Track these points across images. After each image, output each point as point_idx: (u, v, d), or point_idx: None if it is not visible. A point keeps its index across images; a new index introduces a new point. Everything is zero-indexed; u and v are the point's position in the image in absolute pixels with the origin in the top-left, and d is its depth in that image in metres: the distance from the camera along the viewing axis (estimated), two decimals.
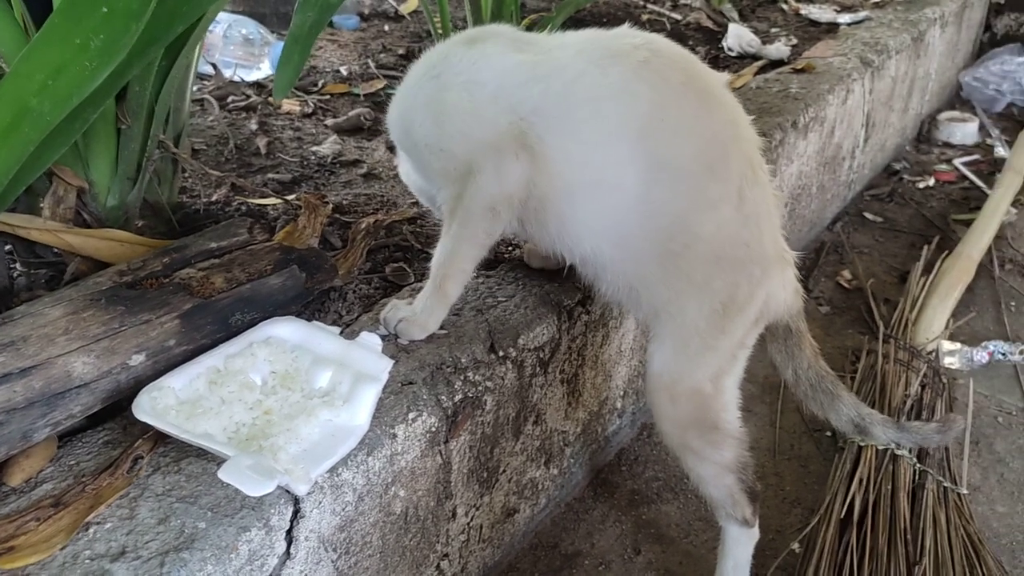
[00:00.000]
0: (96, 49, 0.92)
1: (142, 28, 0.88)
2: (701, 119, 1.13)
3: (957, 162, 2.99)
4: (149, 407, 0.96)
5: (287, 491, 0.95)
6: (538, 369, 1.35)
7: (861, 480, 1.53)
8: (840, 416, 1.33)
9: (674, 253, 1.14)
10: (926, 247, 2.37)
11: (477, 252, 1.19)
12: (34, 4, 1.22)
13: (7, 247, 1.29)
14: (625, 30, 1.18)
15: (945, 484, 1.55)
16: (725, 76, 1.23)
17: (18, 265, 1.30)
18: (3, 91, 0.99)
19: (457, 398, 1.18)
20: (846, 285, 2.28)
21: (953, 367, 1.92)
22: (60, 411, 0.95)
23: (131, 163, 1.30)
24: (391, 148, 1.45)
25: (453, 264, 1.19)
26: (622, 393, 1.64)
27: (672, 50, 1.15)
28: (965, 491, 1.57)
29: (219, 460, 0.96)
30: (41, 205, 1.30)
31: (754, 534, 1.32)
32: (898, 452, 1.57)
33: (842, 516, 1.49)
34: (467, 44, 1.17)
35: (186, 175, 1.65)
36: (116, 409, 1.05)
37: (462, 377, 1.20)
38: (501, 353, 1.26)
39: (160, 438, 0.99)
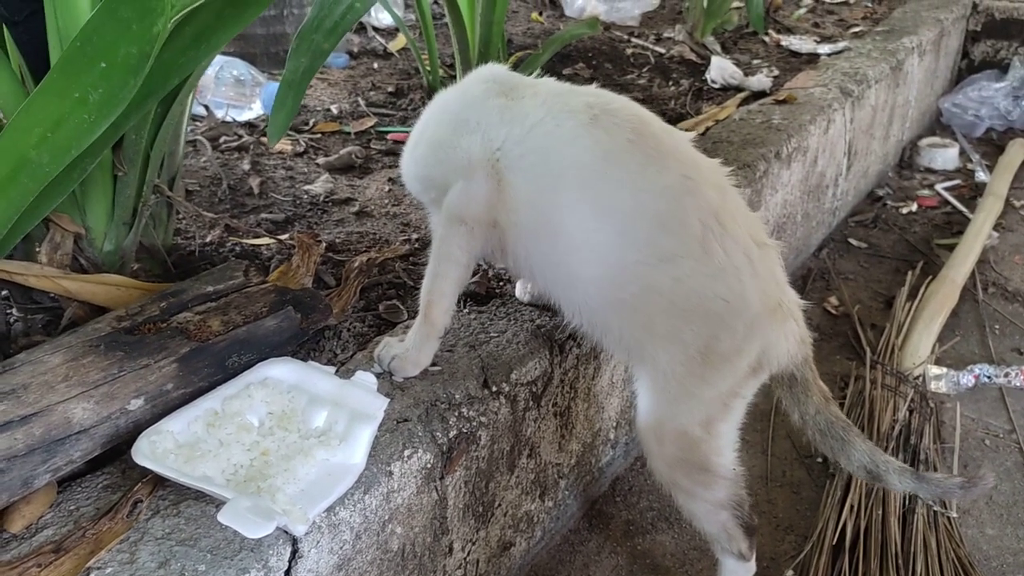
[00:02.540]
0: (95, 103, 0.94)
1: (140, 82, 0.91)
2: (647, 175, 1.16)
3: (939, 187, 3.04)
4: (148, 451, 0.98)
5: (286, 532, 0.97)
6: (531, 403, 1.37)
7: (852, 506, 1.55)
8: (852, 462, 1.29)
9: (626, 302, 1.18)
10: (910, 272, 2.41)
11: (456, 272, 1.23)
12: (31, 56, 1.25)
13: (3, 293, 1.31)
14: (591, 89, 1.25)
15: (935, 508, 1.57)
16: (688, 134, 1.26)
17: (15, 311, 1.31)
18: (2, 143, 1.02)
19: (452, 434, 1.20)
20: (833, 311, 2.31)
21: (940, 391, 1.95)
22: (60, 457, 0.97)
23: (127, 208, 1.32)
24: None
25: (436, 287, 1.23)
26: (615, 424, 1.66)
27: (626, 110, 1.20)
28: (955, 515, 1.59)
29: (218, 502, 0.97)
30: (38, 251, 1.31)
31: (751, 567, 1.33)
32: None
33: (834, 542, 1.51)
34: (461, 89, 1.28)
35: (180, 217, 1.68)
36: (115, 453, 1.06)
37: (456, 413, 1.22)
38: (494, 388, 1.28)
39: (159, 481, 1.01)
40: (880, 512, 1.55)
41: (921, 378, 1.94)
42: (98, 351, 1.03)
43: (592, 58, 2.84)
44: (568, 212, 1.16)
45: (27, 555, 0.92)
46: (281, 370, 1.14)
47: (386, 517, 1.11)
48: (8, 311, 1.31)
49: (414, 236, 1.72)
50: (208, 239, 1.62)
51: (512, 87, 1.24)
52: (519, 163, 1.17)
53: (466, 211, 1.19)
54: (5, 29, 1.27)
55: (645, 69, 2.77)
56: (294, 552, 0.97)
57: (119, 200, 1.30)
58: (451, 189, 1.20)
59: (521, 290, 1.46)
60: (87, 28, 0.92)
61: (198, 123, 2.21)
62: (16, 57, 1.27)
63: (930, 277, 2.32)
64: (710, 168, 1.21)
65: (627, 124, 1.16)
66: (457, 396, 1.23)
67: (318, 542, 1.00)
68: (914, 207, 2.92)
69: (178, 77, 1.06)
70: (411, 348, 1.23)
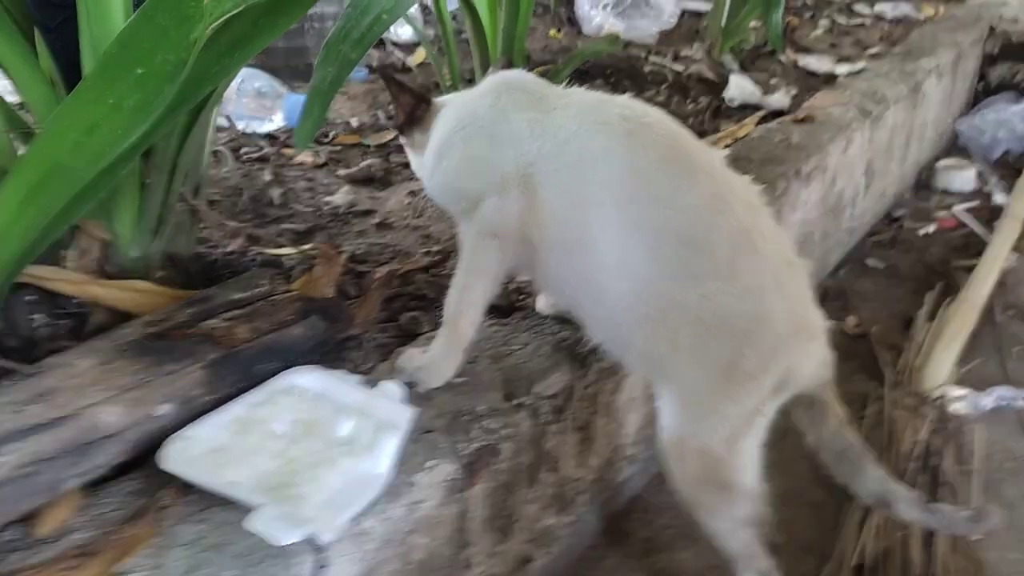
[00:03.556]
0: (129, 109, 0.95)
1: (176, 89, 0.92)
2: (679, 193, 1.16)
3: (957, 209, 3.03)
4: (176, 457, 0.98)
5: (312, 540, 0.96)
6: (552, 417, 1.36)
7: (874, 527, 1.54)
8: (862, 488, 1.29)
9: (651, 317, 1.17)
10: (929, 293, 2.40)
11: (485, 284, 1.23)
12: (63, 62, 1.26)
13: (29, 298, 1.31)
14: (625, 100, 1.25)
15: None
16: (720, 152, 1.25)
17: (39, 316, 1.32)
18: (36, 148, 1.03)
19: (475, 446, 1.19)
20: (851, 331, 2.30)
21: (960, 413, 1.93)
22: (89, 461, 0.97)
23: (153, 216, 1.33)
24: None
25: (464, 298, 1.23)
26: (634, 440, 1.65)
27: (661, 125, 1.20)
28: (977, 537, 1.58)
29: (245, 509, 0.97)
30: (64, 256, 1.32)
31: None
32: None
33: (855, 563, 1.49)
34: (492, 98, 1.26)
35: (203, 226, 1.68)
36: (142, 459, 1.06)
37: (479, 425, 1.21)
38: (517, 401, 1.28)
39: (186, 487, 1.01)
40: (901, 534, 1.53)
41: (941, 399, 1.92)
42: (127, 356, 1.03)
43: (611, 75, 2.85)
44: (600, 229, 1.15)
45: (55, 559, 0.92)
46: (307, 378, 1.15)
47: (409, 528, 1.10)
48: (33, 316, 1.31)
49: (435, 248, 1.73)
50: (230, 248, 1.63)
51: (541, 97, 1.24)
52: (552, 179, 1.17)
53: (500, 226, 1.19)
54: (37, 35, 1.29)
55: (663, 87, 2.78)
56: (319, 561, 0.97)
57: (146, 207, 1.31)
58: (483, 202, 1.20)
59: (543, 303, 1.46)
60: (124, 34, 0.94)
61: (220, 134, 2.22)
62: (48, 63, 1.28)
63: (949, 298, 2.31)
64: (742, 186, 1.21)
65: (661, 140, 1.16)
66: (480, 408, 1.23)
67: (343, 551, 0.99)
68: (932, 228, 2.91)
69: (211, 85, 1.07)
70: (436, 359, 1.22)
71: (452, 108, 1.31)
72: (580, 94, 1.27)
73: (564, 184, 1.17)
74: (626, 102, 1.24)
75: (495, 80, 1.32)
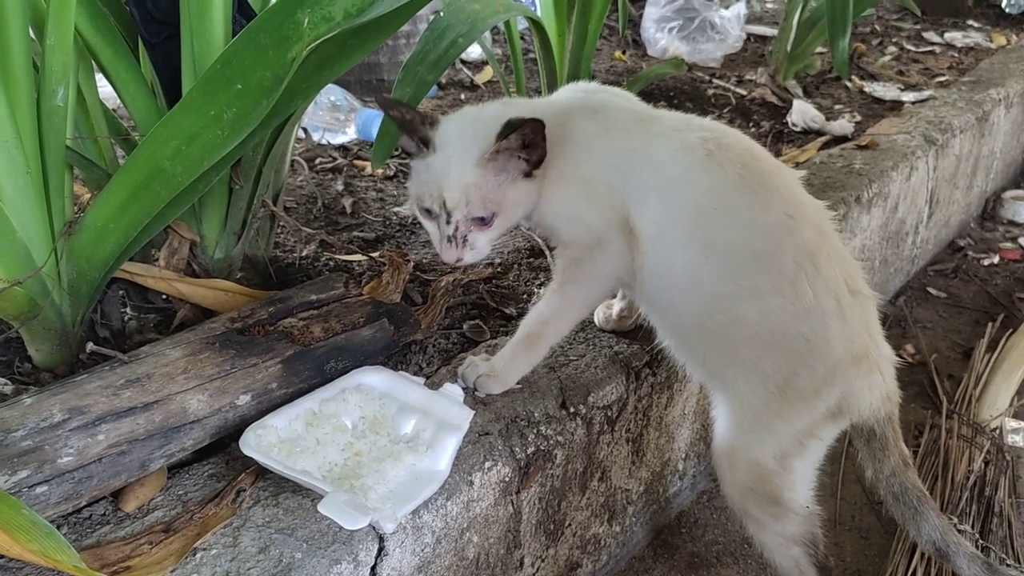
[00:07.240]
0: (228, 121, 1.03)
1: (272, 104, 0.99)
2: (751, 210, 1.19)
3: (1022, 240, 2.99)
4: (255, 443, 1.05)
5: (374, 529, 1.02)
6: (605, 427, 1.40)
7: (924, 553, 1.54)
8: (921, 534, 1.26)
9: (714, 331, 1.22)
10: (991, 324, 2.38)
11: (582, 314, 1.30)
12: (163, 75, 1.36)
13: (120, 293, 1.41)
14: (706, 122, 1.28)
15: (1008, 562, 1.55)
16: (798, 172, 1.28)
17: (128, 310, 1.41)
18: (140, 154, 1.12)
19: (530, 450, 1.25)
20: (909, 359, 2.29)
21: (1017, 445, 1.92)
22: (175, 444, 1.05)
23: (238, 220, 1.41)
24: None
25: (555, 323, 1.26)
26: (684, 456, 1.68)
27: (739, 144, 1.23)
28: None
29: (313, 496, 1.04)
30: (154, 255, 1.42)
31: None
32: (960, 527, 1.57)
33: None
34: (592, 117, 1.25)
35: (279, 231, 1.77)
36: (219, 445, 1.14)
37: (535, 431, 1.26)
38: (572, 409, 1.33)
39: (260, 473, 1.08)
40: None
41: (998, 430, 1.91)
42: (214, 348, 1.11)
43: (673, 97, 2.89)
44: (681, 249, 1.20)
45: (139, 533, 1.00)
46: (374, 378, 1.21)
47: (465, 525, 1.16)
48: (123, 309, 1.41)
49: (496, 260, 1.78)
50: (304, 253, 1.71)
51: (635, 121, 1.25)
52: (644, 207, 1.21)
53: (623, 268, 1.22)
54: (141, 48, 1.39)
55: (726, 110, 2.81)
56: (380, 549, 1.03)
57: (232, 212, 1.39)
58: (610, 245, 1.21)
59: (602, 318, 1.50)
60: (228, 52, 1.02)
61: (297, 144, 2.32)
62: (149, 75, 1.38)
63: (1011, 330, 2.29)
64: (814, 209, 1.23)
65: (738, 159, 1.19)
66: (536, 414, 1.28)
67: (402, 542, 1.05)
68: (996, 259, 2.87)
69: (301, 100, 1.15)
70: (501, 369, 1.27)
71: (569, 138, 1.23)
72: (668, 120, 1.28)
73: (654, 209, 1.20)
74: (707, 124, 1.27)
75: (586, 98, 1.31)
